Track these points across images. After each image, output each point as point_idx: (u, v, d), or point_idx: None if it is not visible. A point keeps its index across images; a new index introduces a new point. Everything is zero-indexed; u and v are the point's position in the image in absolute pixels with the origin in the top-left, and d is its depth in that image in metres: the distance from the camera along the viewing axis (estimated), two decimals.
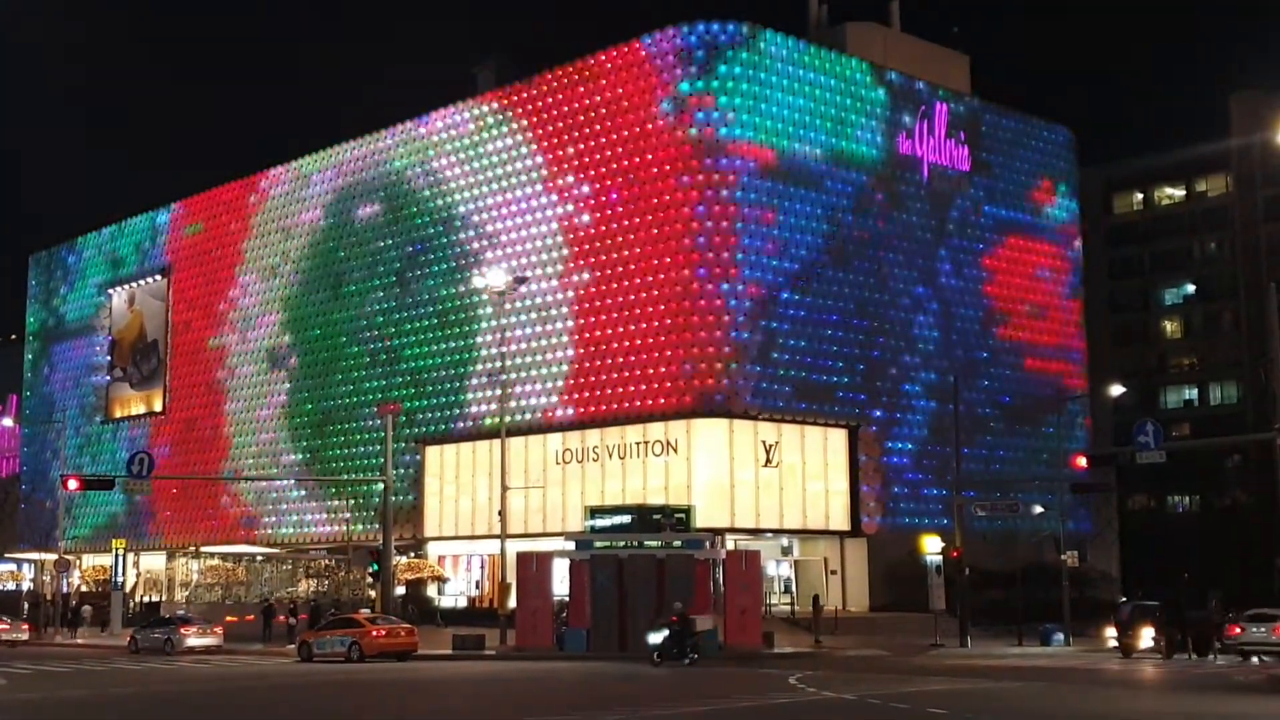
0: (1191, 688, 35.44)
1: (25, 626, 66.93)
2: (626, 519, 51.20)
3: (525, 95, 76.43)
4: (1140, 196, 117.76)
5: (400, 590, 67.29)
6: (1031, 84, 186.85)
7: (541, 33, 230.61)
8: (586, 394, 70.77)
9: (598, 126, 72.14)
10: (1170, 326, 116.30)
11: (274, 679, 38.95)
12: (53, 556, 78.90)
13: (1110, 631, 52.96)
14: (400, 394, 79.19)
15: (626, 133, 70.75)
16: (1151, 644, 48.86)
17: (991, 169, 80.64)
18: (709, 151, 67.97)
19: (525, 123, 76.03)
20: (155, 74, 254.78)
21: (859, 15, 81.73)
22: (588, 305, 71.30)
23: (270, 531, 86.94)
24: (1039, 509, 74.49)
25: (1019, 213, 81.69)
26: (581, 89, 73.43)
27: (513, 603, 52.19)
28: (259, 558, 77.13)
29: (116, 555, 74.60)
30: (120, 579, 74.58)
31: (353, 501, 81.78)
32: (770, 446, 67.60)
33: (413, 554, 75.43)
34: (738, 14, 70.18)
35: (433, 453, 77.91)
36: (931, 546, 57.04)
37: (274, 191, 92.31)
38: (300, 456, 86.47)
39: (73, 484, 56.79)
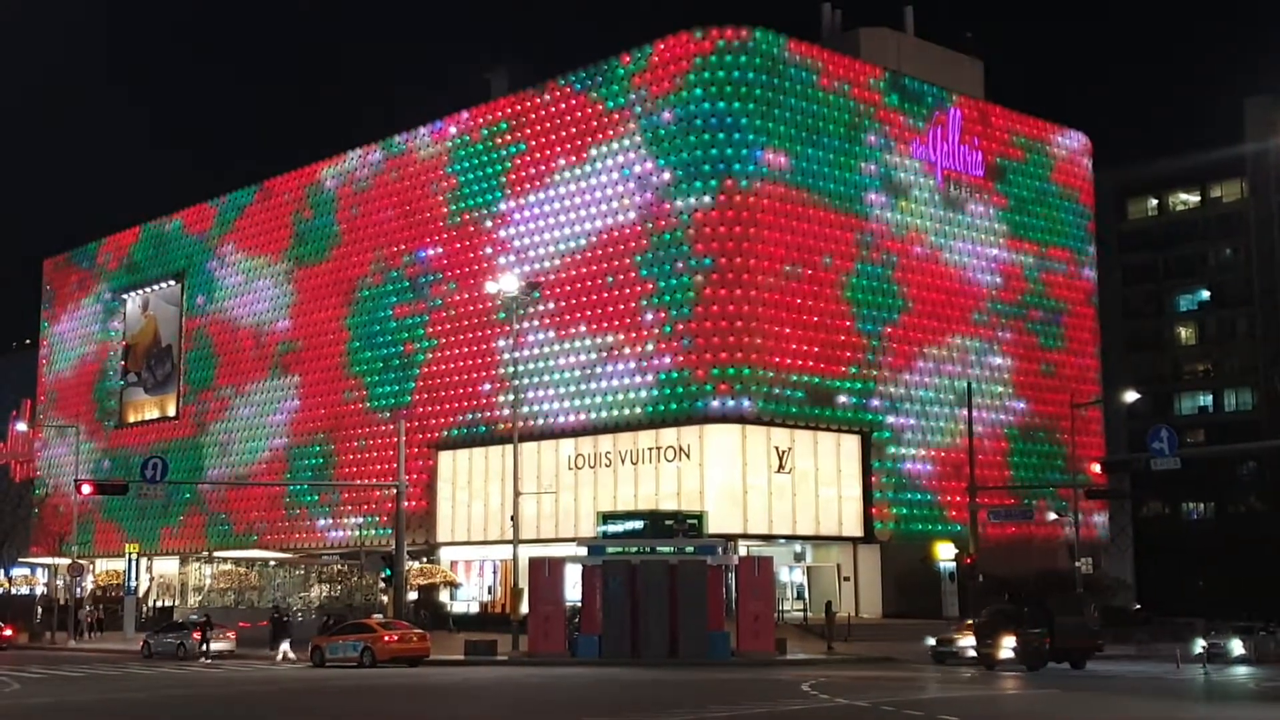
0: (1217, 696, 35.26)
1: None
2: (639, 525, 51.12)
3: (538, 100, 76.47)
4: (1154, 202, 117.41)
5: (413, 595, 67.30)
6: (1045, 89, 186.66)
7: (555, 38, 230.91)
8: (599, 399, 70.72)
9: (610, 132, 72.16)
10: (1184, 332, 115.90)
11: (286, 684, 38.97)
12: (66, 561, 79.06)
13: (969, 640, 46.98)
14: (413, 399, 79.44)
15: (639, 137, 70.75)
16: (1013, 654, 43.85)
17: (1005, 174, 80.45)
18: (721, 157, 67.91)
19: (538, 128, 76.04)
20: (168, 79, 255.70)
21: (872, 20, 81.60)
22: (600, 310, 71.26)
23: (283, 536, 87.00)
24: (1053, 515, 74.32)
25: (1033, 218, 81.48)
26: (594, 94, 73.46)
27: (525, 608, 52.13)
28: (272, 563, 77.19)
29: (130, 560, 74.75)
30: (134, 583, 74.72)
31: (365, 507, 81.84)
32: (783, 452, 67.39)
33: (425, 559, 75.45)
34: (751, 20, 70.15)
35: (445, 458, 77.90)
36: (945, 553, 56.90)
37: (287, 197, 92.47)
38: (313, 461, 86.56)
39: (87, 488, 56.99)
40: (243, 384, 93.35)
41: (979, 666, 44.74)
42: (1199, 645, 50.12)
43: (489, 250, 77.41)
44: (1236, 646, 49.22)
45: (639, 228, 70.02)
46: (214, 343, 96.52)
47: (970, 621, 48.00)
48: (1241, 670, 45.39)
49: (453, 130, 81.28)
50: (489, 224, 77.90)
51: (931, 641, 49.24)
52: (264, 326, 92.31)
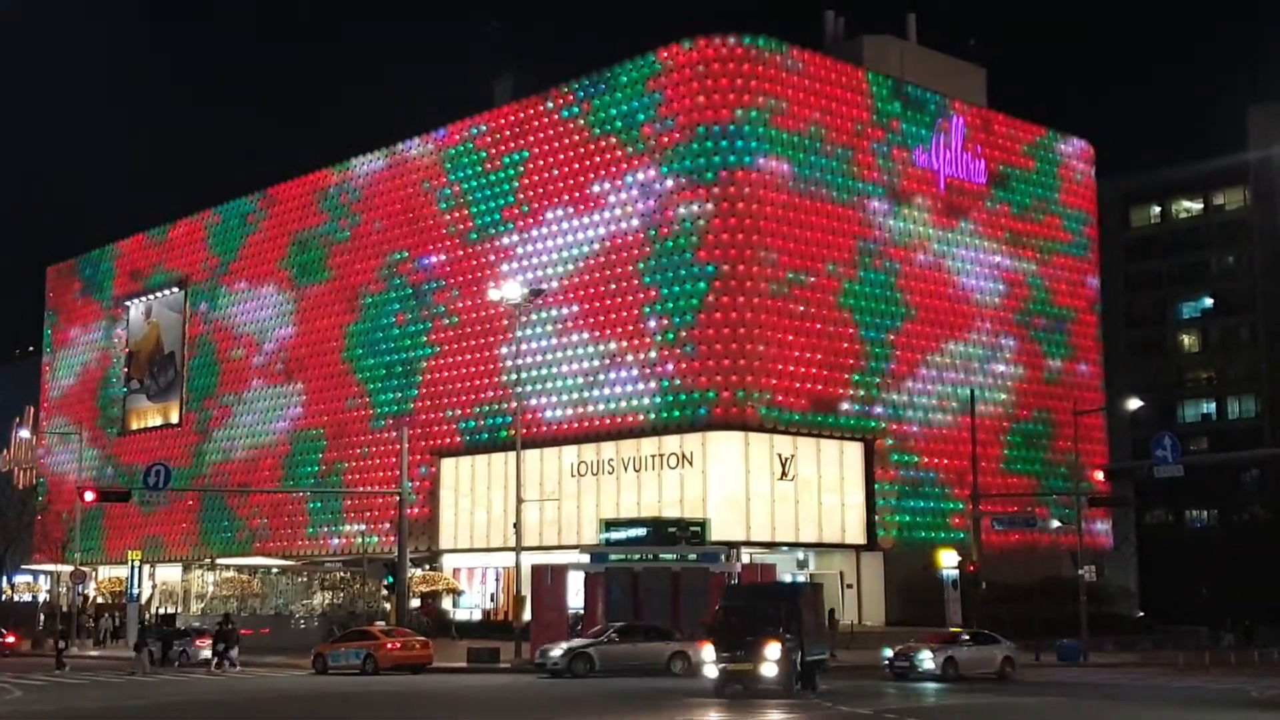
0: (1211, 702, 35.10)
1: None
2: (642, 532, 51.10)
3: (541, 107, 76.52)
4: (1158, 210, 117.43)
5: (415, 603, 67.16)
6: (1048, 96, 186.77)
7: (559, 45, 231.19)
8: (601, 406, 70.68)
9: (614, 140, 72.18)
10: (1188, 340, 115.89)
11: (288, 692, 38.94)
12: (68, 568, 78.99)
13: (706, 653, 36.28)
14: (415, 406, 79.43)
15: (642, 145, 70.74)
16: (778, 669, 33.49)
17: (1008, 181, 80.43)
18: (724, 164, 67.92)
19: (542, 135, 76.08)
20: (170, 86, 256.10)
21: (875, 28, 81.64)
22: (603, 317, 71.25)
23: (285, 544, 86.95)
24: (1056, 523, 74.20)
25: (1036, 225, 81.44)
26: (598, 102, 73.48)
27: (527, 616, 52.07)
28: (274, 570, 77.10)
29: (132, 567, 74.68)
30: (136, 591, 74.62)
31: (368, 514, 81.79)
32: (786, 459, 67.35)
33: (428, 566, 75.39)
34: (754, 27, 70.21)
35: (448, 465, 77.90)
36: (948, 560, 56.72)
37: (290, 203, 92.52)
38: (316, 468, 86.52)
39: (89, 495, 56.86)
40: (245, 391, 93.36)
41: (710, 682, 35.00)
42: (886, 655, 44.93)
43: (492, 257, 77.42)
44: (926, 660, 43.41)
45: (642, 235, 70.02)
46: (217, 349, 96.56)
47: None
48: (930, 686, 40.82)
49: (456, 137, 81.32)
50: (492, 231, 77.90)
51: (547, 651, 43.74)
52: (267, 333, 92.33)
